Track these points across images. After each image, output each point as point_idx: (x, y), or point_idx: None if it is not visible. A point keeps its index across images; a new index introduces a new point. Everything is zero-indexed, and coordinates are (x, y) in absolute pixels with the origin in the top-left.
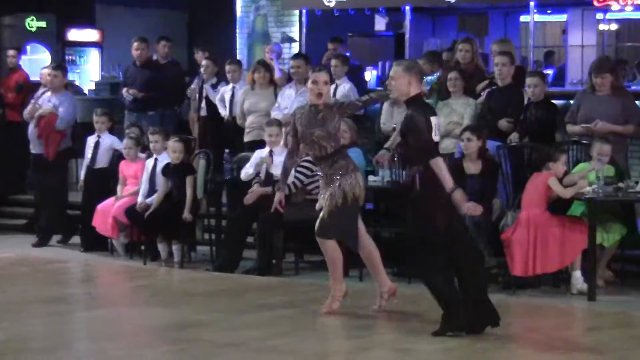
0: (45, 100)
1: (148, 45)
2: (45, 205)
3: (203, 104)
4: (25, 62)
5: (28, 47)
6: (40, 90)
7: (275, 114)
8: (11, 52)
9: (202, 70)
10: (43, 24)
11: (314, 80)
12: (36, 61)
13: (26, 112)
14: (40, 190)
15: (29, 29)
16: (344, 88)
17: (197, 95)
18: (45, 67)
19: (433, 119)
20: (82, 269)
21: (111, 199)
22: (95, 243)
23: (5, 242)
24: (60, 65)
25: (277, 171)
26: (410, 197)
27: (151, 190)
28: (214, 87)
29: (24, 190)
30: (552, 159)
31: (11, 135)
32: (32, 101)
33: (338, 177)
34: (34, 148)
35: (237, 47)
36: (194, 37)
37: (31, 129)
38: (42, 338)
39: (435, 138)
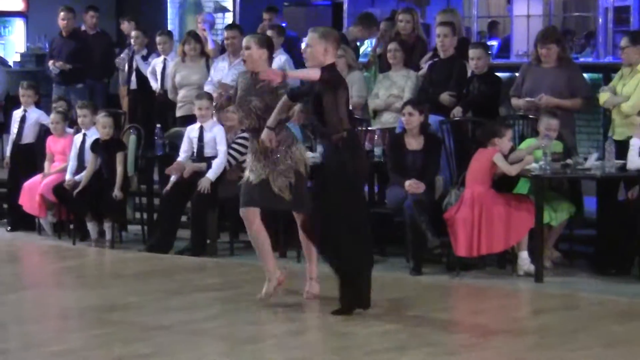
0: None
1: (75, 15)
2: None
3: (133, 77)
4: None
5: None
6: None
7: (208, 88)
8: None
9: (132, 41)
10: None
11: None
12: None
13: None
14: None
15: None
16: (280, 60)
17: (126, 67)
18: None
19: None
20: (8, 249)
21: (38, 176)
22: (22, 222)
23: None
24: None
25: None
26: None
27: (80, 167)
28: (145, 59)
29: None
30: (498, 135)
31: None
32: None
33: (284, 149)
34: None
35: (168, 17)
36: (122, 6)
37: None
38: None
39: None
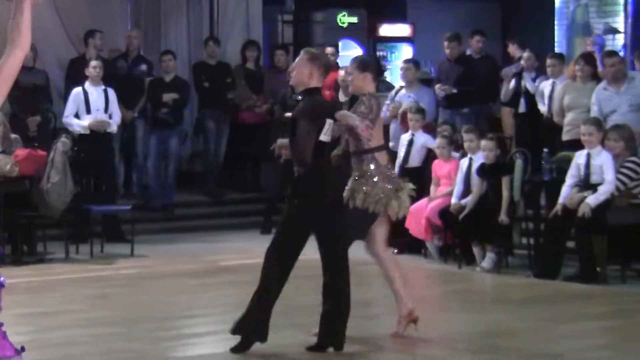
0: (404, 97)
1: (461, 42)
2: None
3: (522, 100)
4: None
5: (339, 44)
6: (393, 90)
7: (595, 113)
8: (330, 50)
9: (522, 62)
10: (354, 19)
11: None
12: (347, 58)
13: (386, 113)
14: None
15: (340, 25)
16: None
17: (511, 84)
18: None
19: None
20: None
21: (424, 200)
22: (409, 245)
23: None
24: (411, 59)
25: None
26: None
27: (466, 191)
28: (532, 81)
29: None
30: None
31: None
32: (387, 102)
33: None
34: (397, 147)
35: (555, 39)
36: (508, 29)
37: (395, 127)
38: (356, 342)
39: (323, 137)
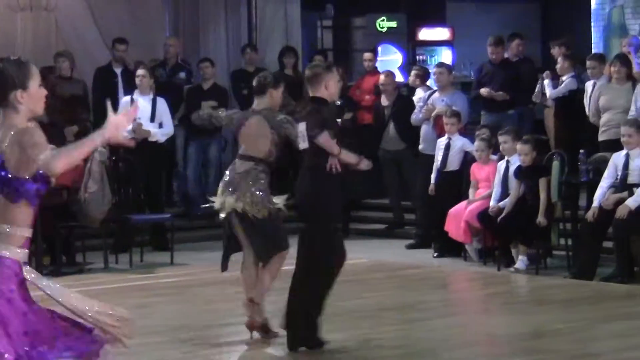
0: (438, 100)
1: (504, 47)
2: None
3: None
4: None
5: (379, 49)
6: (427, 92)
7: (634, 115)
8: (367, 55)
9: (557, 67)
10: (393, 24)
11: None
12: (387, 62)
13: (419, 115)
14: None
15: (379, 29)
16: None
17: (546, 85)
18: (384, 72)
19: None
20: (436, 275)
21: (463, 203)
22: (448, 248)
23: (360, 246)
24: (444, 63)
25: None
26: None
27: (504, 194)
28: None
29: (378, 193)
30: None
31: (364, 137)
32: (421, 104)
33: None
34: (427, 149)
35: (593, 40)
36: (548, 30)
37: (426, 129)
38: (395, 345)
39: (302, 145)
